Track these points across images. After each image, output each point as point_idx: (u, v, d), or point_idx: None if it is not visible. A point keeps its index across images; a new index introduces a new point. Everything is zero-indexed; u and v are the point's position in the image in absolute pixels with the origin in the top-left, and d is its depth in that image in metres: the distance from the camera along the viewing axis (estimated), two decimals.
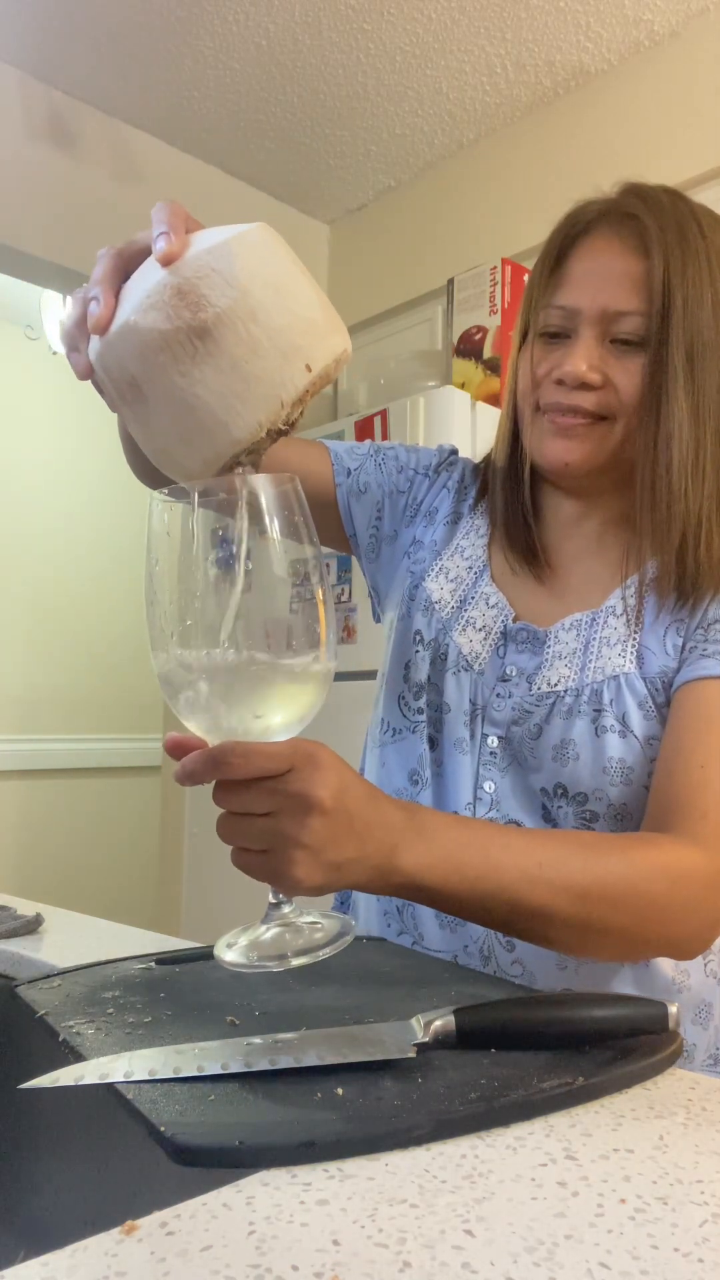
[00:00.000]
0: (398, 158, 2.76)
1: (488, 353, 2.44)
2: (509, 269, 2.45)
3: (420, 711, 0.87)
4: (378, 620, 1.01)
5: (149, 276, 0.54)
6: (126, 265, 0.58)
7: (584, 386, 0.79)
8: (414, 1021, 0.51)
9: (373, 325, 2.92)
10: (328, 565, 2.28)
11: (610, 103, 2.38)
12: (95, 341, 0.56)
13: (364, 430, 2.32)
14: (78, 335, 0.59)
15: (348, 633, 2.24)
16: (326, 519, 0.95)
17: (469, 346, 2.49)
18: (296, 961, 0.56)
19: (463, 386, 2.41)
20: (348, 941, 0.58)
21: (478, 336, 2.48)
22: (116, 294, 0.57)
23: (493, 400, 2.28)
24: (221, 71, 2.44)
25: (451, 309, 2.57)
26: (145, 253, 0.56)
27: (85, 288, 0.58)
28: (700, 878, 0.69)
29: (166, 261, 0.53)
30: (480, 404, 2.23)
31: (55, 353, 3.14)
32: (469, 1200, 0.38)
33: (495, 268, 2.47)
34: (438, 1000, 0.60)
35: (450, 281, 2.59)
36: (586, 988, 0.80)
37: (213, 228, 0.57)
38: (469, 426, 2.21)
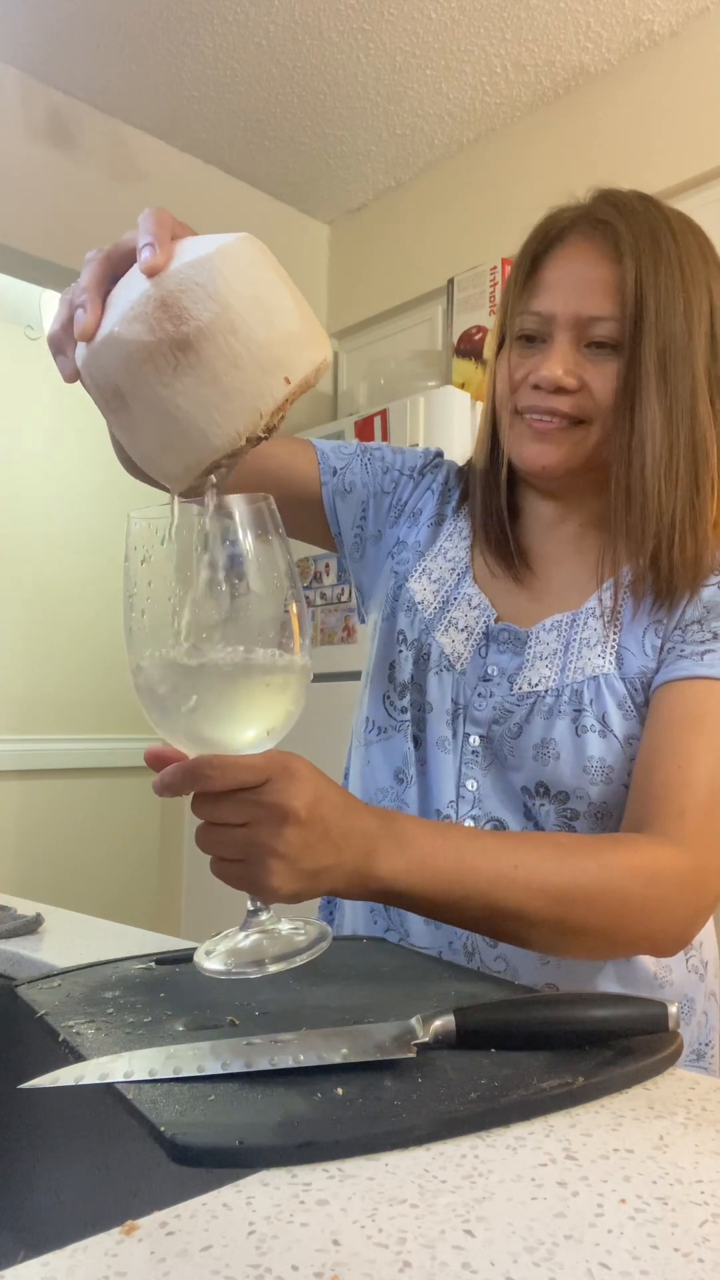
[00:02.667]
0: (398, 158, 2.76)
1: (488, 353, 2.44)
2: (509, 269, 2.45)
3: (405, 711, 0.88)
4: (362, 621, 1.02)
5: (133, 287, 0.55)
6: (114, 269, 0.58)
7: (560, 390, 0.80)
8: (414, 1021, 0.51)
9: (373, 325, 2.92)
10: (326, 566, 2.29)
11: (610, 103, 2.38)
12: (82, 348, 0.57)
13: (364, 430, 2.32)
14: (64, 339, 0.59)
15: (347, 633, 2.25)
16: (311, 517, 0.95)
17: (469, 346, 2.49)
18: (274, 968, 0.57)
19: (463, 386, 2.41)
20: (324, 948, 0.58)
21: (478, 336, 2.48)
22: (103, 300, 0.57)
23: None
24: (221, 71, 2.43)
25: (451, 309, 2.58)
26: (132, 256, 0.57)
27: (72, 290, 0.58)
28: (676, 876, 0.70)
29: (150, 273, 0.54)
30: (480, 404, 2.23)
31: None
32: (469, 1200, 0.38)
33: (495, 268, 2.47)
34: (438, 1000, 0.60)
35: (450, 281, 2.59)
36: (569, 983, 0.81)
37: (200, 236, 0.58)
38: (469, 426, 2.21)
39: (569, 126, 2.47)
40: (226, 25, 2.28)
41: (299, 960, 0.57)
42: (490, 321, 2.44)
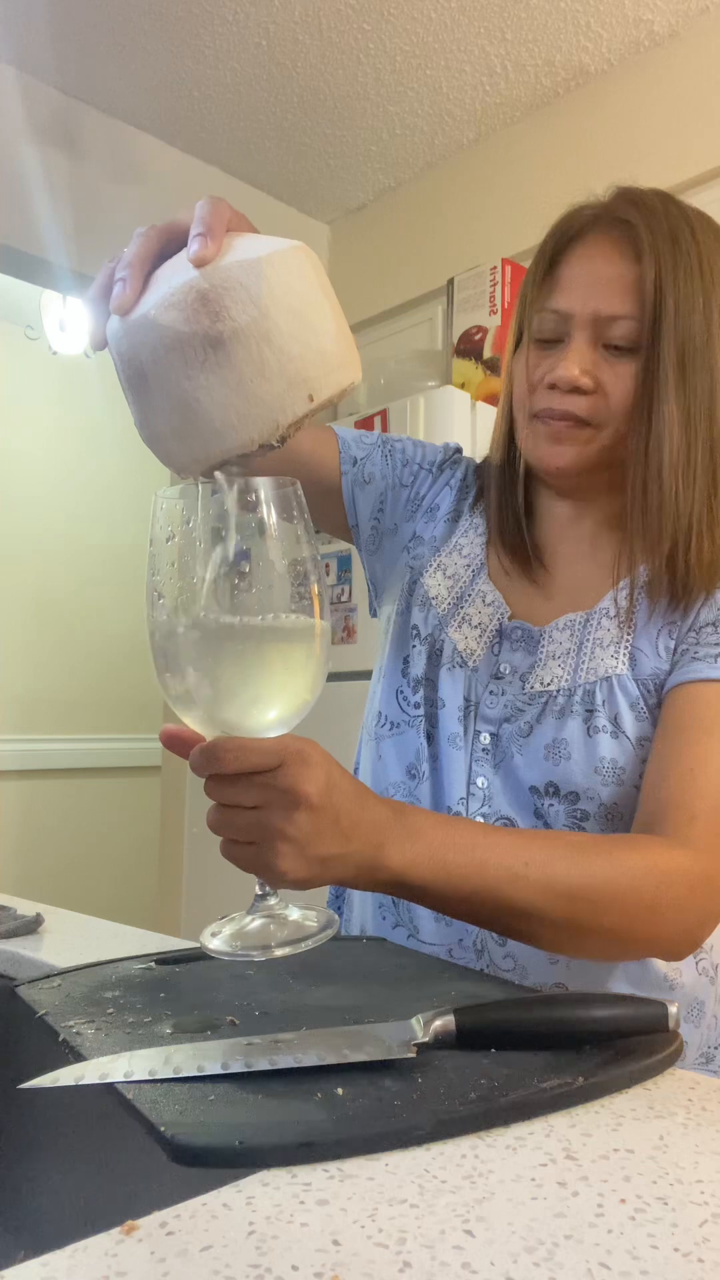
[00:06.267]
0: (398, 158, 2.76)
1: (488, 353, 2.44)
2: (509, 269, 2.45)
3: (418, 706, 0.88)
4: (374, 615, 1.02)
5: (178, 273, 0.55)
6: (163, 247, 0.58)
7: (576, 390, 0.80)
8: (414, 1021, 0.51)
9: (373, 325, 2.92)
10: (327, 566, 2.29)
11: (610, 103, 2.38)
12: (115, 320, 0.57)
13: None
14: (99, 305, 0.59)
15: (347, 633, 2.24)
16: (330, 506, 0.95)
17: (469, 346, 2.49)
18: (279, 952, 0.57)
19: (463, 386, 2.41)
20: (330, 935, 0.59)
21: (478, 336, 2.48)
22: (145, 277, 0.57)
23: (493, 400, 2.28)
24: (221, 71, 2.43)
25: (451, 309, 2.57)
26: (183, 239, 0.56)
27: (117, 260, 0.58)
28: (687, 879, 0.70)
29: (198, 264, 0.54)
30: (480, 404, 2.23)
31: (55, 353, 3.13)
32: (469, 1200, 0.38)
33: (495, 268, 2.47)
34: (438, 1000, 0.60)
35: (450, 281, 2.59)
36: (579, 983, 0.81)
37: (254, 236, 0.58)
38: (469, 426, 2.21)
39: (569, 126, 2.47)
40: (226, 25, 2.28)
41: (305, 945, 0.57)
42: (490, 321, 2.44)
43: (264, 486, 0.57)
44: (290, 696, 0.58)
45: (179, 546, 0.57)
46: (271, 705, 0.58)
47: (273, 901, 0.60)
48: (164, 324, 0.54)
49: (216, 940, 0.58)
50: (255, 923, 0.59)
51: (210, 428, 0.55)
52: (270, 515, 0.57)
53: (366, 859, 0.61)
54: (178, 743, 0.60)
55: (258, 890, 0.60)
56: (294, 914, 0.60)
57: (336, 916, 0.60)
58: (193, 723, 0.59)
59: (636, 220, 0.79)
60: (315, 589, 0.58)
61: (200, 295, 0.53)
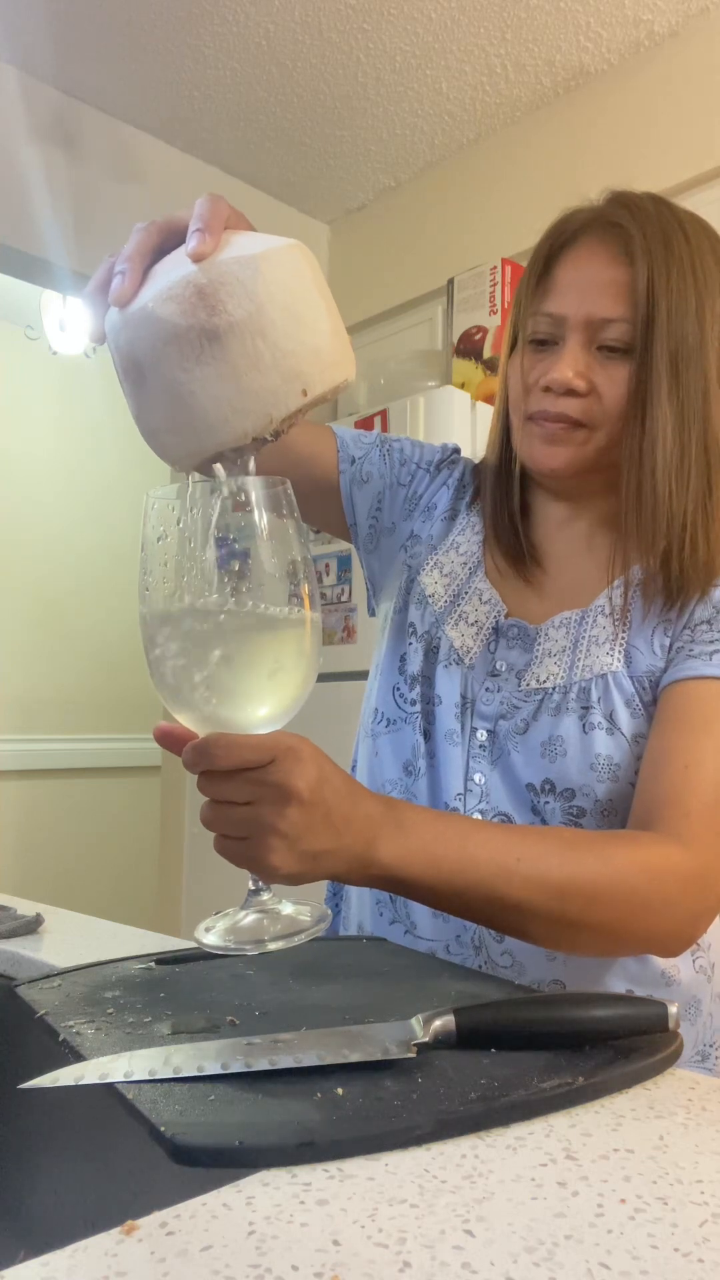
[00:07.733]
0: (398, 158, 2.76)
1: (488, 353, 2.44)
2: (509, 269, 2.45)
3: (414, 703, 0.89)
4: (372, 613, 1.02)
5: (176, 268, 0.56)
6: (162, 243, 0.59)
7: (570, 393, 0.80)
8: (414, 1021, 0.51)
9: (373, 325, 2.92)
10: (326, 566, 2.29)
11: (610, 103, 2.38)
12: (113, 313, 0.58)
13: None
14: (98, 299, 0.60)
15: (348, 633, 2.24)
16: (329, 505, 0.96)
17: (469, 346, 2.49)
18: (273, 946, 0.57)
19: (463, 386, 2.41)
20: (322, 929, 0.59)
21: (478, 336, 2.48)
22: (144, 271, 0.58)
23: (492, 400, 2.28)
24: (221, 71, 2.43)
25: (451, 309, 2.57)
26: (182, 234, 0.57)
27: (116, 254, 0.59)
28: (680, 875, 0.70)
29: (196, 259, 0.55)
30: (480, 404, 2.23)
31: (55, 353, 3.13)
32: (469, 1200, 0.38)
33: (495, 268, 2.47)
34: (438, 1000, 0.60)
35: (450, 281, 2.59)
36: (577, 980, 0.81)
37: (251, 233, 0.59)
38: (469, 426, 2.21)
39: (569, 126, 2.47)
40: (226, 25, 2.28)
41: (299, 939, 0.58)
42: (490, 321, 2.44)
43: (255, 485, 0.58)
44: (281, 693, 0.59)
45: (170, 545, 0.58)
46: (262, 702, 0.58)
47: (266, 897, 0.61)
48: (161, 317, 0.54)
49: (210, 935, 0.59)
50: (249, 918, 0.60)
51: (204, 421, 0.55)
52: (261, 514, 0.57)
53: (358, 854, 0.61)
54: (171, 740, 0.61)
55: (251, 885, 0.61)
56: (287, 909, 0.60)
57: (329, 911, 0.61)
58: (186, 720, 0.59)
59: (629, 224, 0.80)
60: (305, 587, 0.58)
61: (198, 289, 0.54)
